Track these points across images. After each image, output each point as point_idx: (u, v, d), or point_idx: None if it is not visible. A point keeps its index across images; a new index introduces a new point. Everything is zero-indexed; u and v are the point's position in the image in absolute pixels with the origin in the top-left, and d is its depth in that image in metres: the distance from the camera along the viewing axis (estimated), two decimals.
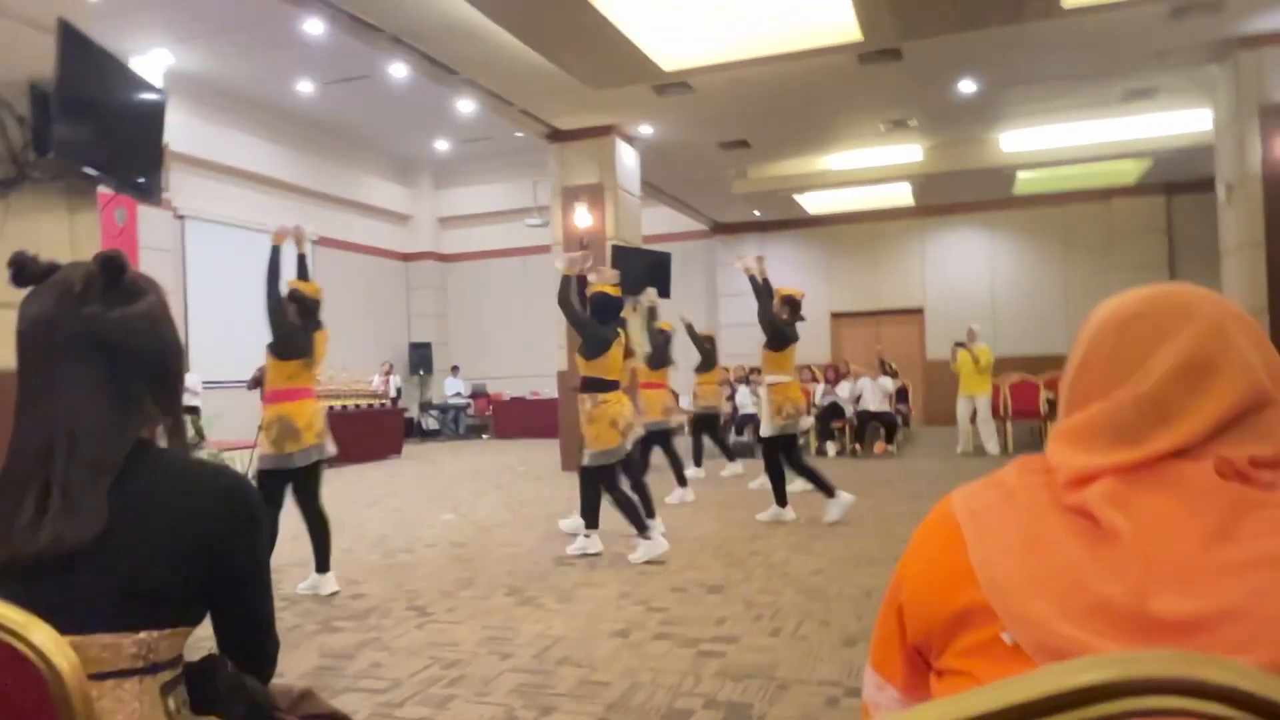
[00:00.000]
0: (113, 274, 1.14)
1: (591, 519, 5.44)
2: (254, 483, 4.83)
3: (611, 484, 5.31)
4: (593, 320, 5.31)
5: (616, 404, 5.23)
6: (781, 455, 6.35)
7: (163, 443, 1.20)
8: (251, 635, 1.25)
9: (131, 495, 1.10)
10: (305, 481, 4.51)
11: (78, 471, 1.07)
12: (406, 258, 16.97)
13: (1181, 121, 10.95)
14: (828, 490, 6.18)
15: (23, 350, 1.13)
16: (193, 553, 1.11)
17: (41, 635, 0.90)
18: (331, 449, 4.60)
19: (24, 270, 1.16)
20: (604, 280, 5.67)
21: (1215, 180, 9.12)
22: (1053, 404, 11.04)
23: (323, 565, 4.56)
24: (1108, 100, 10.38)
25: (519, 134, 12.16)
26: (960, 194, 14.26)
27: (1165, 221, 14.26)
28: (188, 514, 1.13)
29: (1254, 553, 0.77)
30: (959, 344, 11.05)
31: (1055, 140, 11.73)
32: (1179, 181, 13.67)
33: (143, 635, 1.08)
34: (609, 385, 5.27)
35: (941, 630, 0.88)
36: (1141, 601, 0.76)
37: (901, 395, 12.15)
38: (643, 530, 5.19)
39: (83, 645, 1.02)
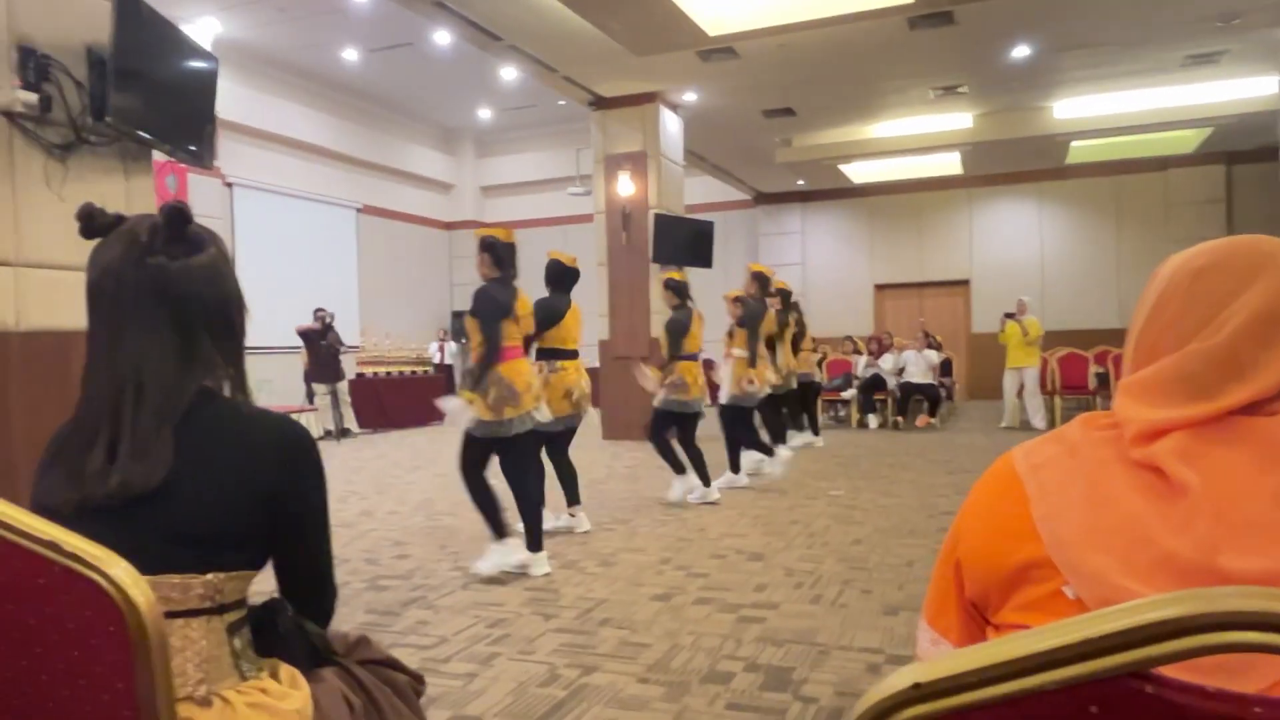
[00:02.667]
0: (176, 225, 1.17)
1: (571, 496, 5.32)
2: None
3: (561, 452, 5.25)
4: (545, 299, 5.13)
5: (574, 373, 5.05)
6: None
7: (227, 393, 1.23)
8: (311, 581, 1.29)
9: (196, 442, 1.13)
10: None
11: (145, 419, 1.11)
12: (449, 226, 17.07)
13: (1245, 88, 10.62)
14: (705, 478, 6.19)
15: (92, 300, 1.17)
16: (254, 499, 1.15)
17: (120, 570, 0.93)
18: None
19: (93, 221, 1.19)
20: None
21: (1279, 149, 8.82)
22: (1101, 378, 10.84)
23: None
24: (1168, 66, 10.06)
25: (561, 101, 12.14)
26: (1011, 163, 13.94)
27: (1225, 192, 13.82)
28: (250, 461, 1.16)
29: None
30: (1008, 315, 10.85)
31: (1111, 108, 11.43)
32: (1240, 150, 13.24)
33: (210, 576, 1.12)
34: (566, 354, 5.10)
35: (1001, 584, 0.87)
36: (1210, 557, 0.75)
37: (946, 368, 11.99)
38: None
39: (154, 585, 1.05)
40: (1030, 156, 13.46)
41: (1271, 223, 9.91)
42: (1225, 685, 0.48)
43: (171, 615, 1.10)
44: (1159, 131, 12.17)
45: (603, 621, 3.47)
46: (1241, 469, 0.79)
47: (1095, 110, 11.54)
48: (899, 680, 0.50)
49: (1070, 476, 0.85)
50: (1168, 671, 0.46)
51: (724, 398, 6.77)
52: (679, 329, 6.17)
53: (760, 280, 7.16)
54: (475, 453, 4.22)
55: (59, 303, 3.46)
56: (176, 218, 1.17)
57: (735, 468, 6.87)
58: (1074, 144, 12.86)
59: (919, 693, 0.49)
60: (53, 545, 0.91)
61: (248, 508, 1.15)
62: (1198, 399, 0.83)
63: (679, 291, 6.33)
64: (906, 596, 3.75)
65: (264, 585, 1.24)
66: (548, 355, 5.07)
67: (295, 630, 1.27)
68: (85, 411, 1.15)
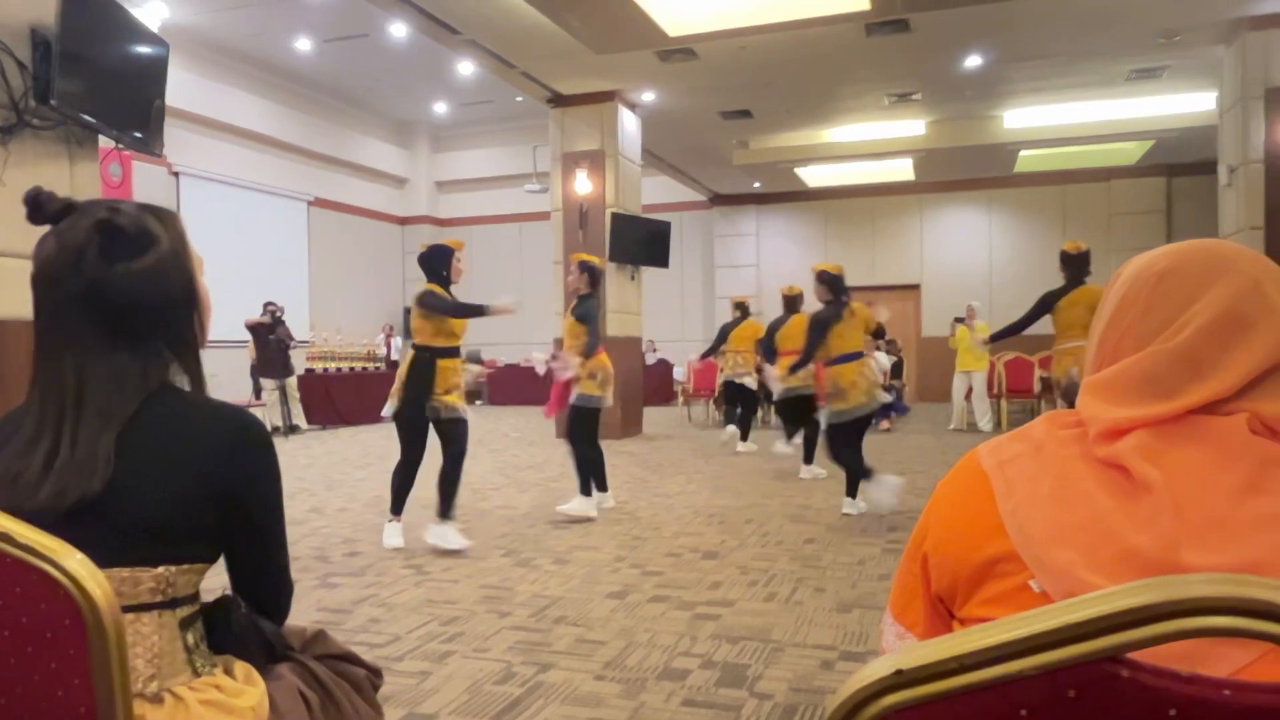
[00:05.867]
0: (110, 234, 1.13)
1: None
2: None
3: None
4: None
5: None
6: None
7: (183, 385, 1.20)
8: (265, 576, 1.26)
9: (144, 439, 1.11)
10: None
11: (84, 428, 1.09)
12: (403, 221, 16.87)
13: (1185, 103, 10.96)
14: None
15: (35, 299, 1.14)
16: (205, 491, 1.12)
17: (74, 562, 0.90)
18: None
19: (39, 209, 1.15)
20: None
21: (1217, 163, 9.11)
22: (1046, 382, 11.08)
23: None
24: (1113, 80, 10.35)
25: (519, 98, 12.06)
26: (961, 170, 14.23)
27: (1165, 203, 14.27)
28: (200, 454, 1.14)
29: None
30: (958, 320, 11.06)
31: (1059, 119, 11.73)
32: (1180, 163, 13.67)
33: (160, 570, 1.10)
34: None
35: (968, 578, 0.89)
36: (1172, 552, 0.77)
37: (896, 370, 12.17)
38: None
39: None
40: (980, 164, 13.75)
41: (1208, 233, 10.21)
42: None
43: (122, 610, 1.07)
44: (1103, 143, 12.53)
45: (558, 619, 3.46)
46: (1201, 467, 0.81)
47: (1043, 121, 11.82)
48: (881, 667, 0.51)
49: (1036, 473, 0.87)
50: (1141, 657, 0.48)
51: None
52: (821, 327, 5.55)
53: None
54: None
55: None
56: (109, 229, 1.12)
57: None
58: (1022, 153, 13.17)
59: (901, 679, 0.50)
60: (5, 537, 0.89)
61: (199, 500, 1.12)
62: (1160, 398, 0.86)
63: (834, 286, 5.63)
64: (859, 595, 3.79)
65: (217, 581, 1.21)
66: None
67: (249, 626, 1.25)
68: (26, 416, 1.12)
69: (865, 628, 3.35)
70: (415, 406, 4.65)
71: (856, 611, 3.55)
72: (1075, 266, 5.84)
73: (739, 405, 9.26)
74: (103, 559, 1.04)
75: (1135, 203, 14.32)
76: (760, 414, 10.42)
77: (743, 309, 9.29)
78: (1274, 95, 8.16)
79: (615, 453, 8.82)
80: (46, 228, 1.16)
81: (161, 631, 1.11)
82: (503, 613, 3.54)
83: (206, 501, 1.12)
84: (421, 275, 5.14)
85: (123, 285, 1.13)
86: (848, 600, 3.71)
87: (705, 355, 10.06)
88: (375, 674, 1.46)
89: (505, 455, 8.90)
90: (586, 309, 5.66)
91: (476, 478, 7.31)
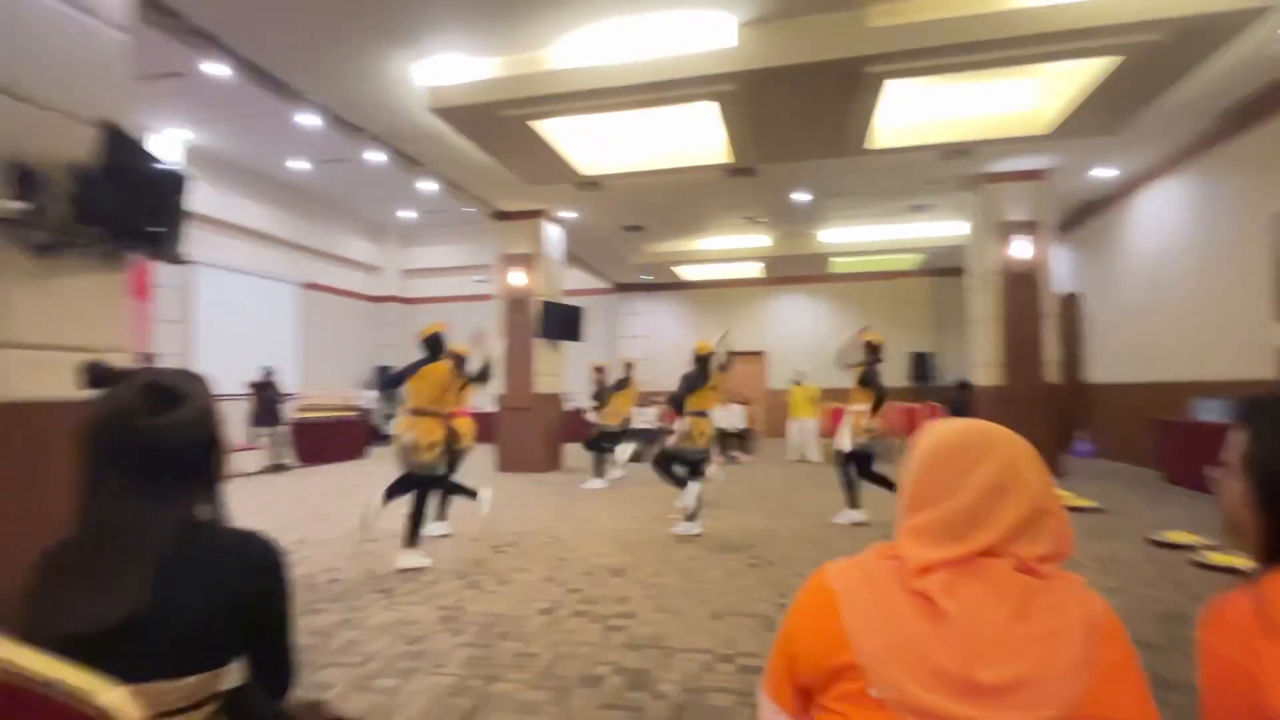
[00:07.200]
0: (154, 392, 1.08)
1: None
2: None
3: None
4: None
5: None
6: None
7: (207, 516, 1.12)
8: (280, 665, 1.18)
9: (176, 567, 1.03)
10: None
11: (120, 560, 1.01)
12: (376, 300, 16.32)
13: (946, 229, 11.69)
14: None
15: (84, 449, 1.05)
16: (227, 611, 1.05)
17: (108, 697, 0.82)
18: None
19: (96, 377, 1.08)
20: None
21: (968, 272, 9.77)
22: None
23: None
24: (897, 211, 11.03)
25: (469, 209, 11.93)
26: (794, 270, 14.83)
27: (934, 297, 15.20)
28: (223, 579, 1.06)
29: (1040, 629, 0.83)
30: (795, 381, 11.42)
31: (860, 236, 12.34)
32: (944, 269, 14.59)
33: (193, 679, 1.01)
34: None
35: (823, 678, 0.90)
36: (969, 670, 0.80)
37: (747, 415, 12.38)
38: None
39: (141, 692, 0.94)
40: (807, 266, 14.36)
41: (963, 320, 10.94)
42: None
43: (156, 716, 0.98)
44: (891, 254, 13.25)
45: (501, 635, 3.32)
46: (985, 601, 0.85)
47: (849, 238, 12.43)
48: None
49: (870, 601, 0.90)
50: None
51: (848, 446, 5.92)
52: (687, 385, 5.65)
53: (868, 347, 5.91)
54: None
55: (39, 376, 3.05)
56: (157, 389, 1.07)
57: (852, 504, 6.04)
58: (834, 259, 13.81)
59: None
60: (51, 684, 0.79)
61: (223, 618, 1.04)
62: (953, 542, 0.90)
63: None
64: (728, 603, 3.77)
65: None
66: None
67: (263, 707, 1.15)
68: (68, 547, 1.03)
69: (734, 632, 3.33)
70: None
71: (727, 619, 3.54)
72: (870, 355, 6.03)
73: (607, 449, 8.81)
74: (138, 675, 0.95)
75: (913, 296, 15.22)
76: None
77: (603, 374, 9.11)
78: (1004, 227, 8.85)
79: (541, 484, 8.66)
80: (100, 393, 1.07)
81: None
82: (456, 631, 3.38)
83: (229, 619, 1.05)
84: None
85: (164, 433, 1.06)
86: (719, 609, 3.69)
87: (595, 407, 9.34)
88: None
89: None
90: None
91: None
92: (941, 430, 0.98)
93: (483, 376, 5.73)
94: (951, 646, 0.82)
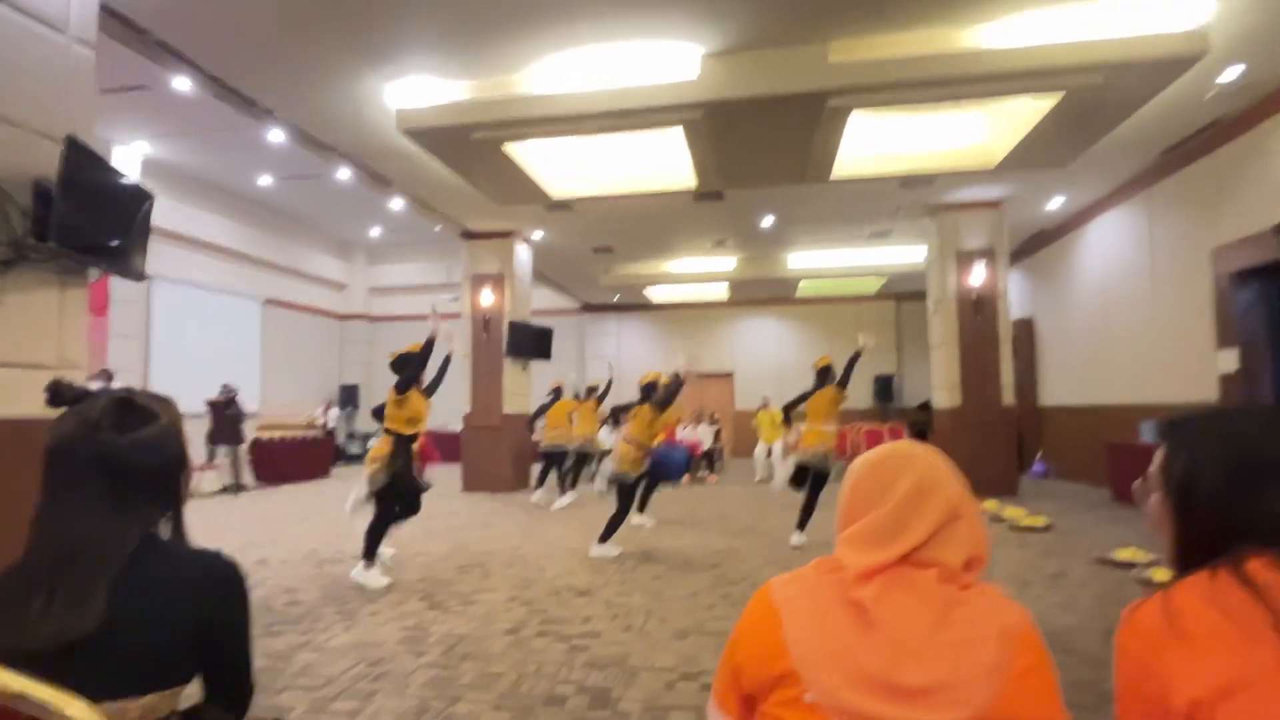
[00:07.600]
0: (124, 410, 1.10)
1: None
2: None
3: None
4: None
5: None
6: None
7: (165, 535, 1.14)
8: (235, 686, 1.19)
9: (135, 587, 1.03)
10: None
11: (82, 576, 1.01)
12: (342, 318, 16.11)
13: (907, 254, 11.99)
14: None
15: (46, 465, 1.06)
16: (186, 630, 1.05)
17: (76, 710, 0.83)
18: None
19: (59, 395, 1.10)
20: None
21: (927, 296, 10.06)
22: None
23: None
24: (859, 236, 11.31)
25: (438, 228, 11.91)
26: (760, 293, 15.06)
27: (895, 319, 15.57)
28: (182, 599, 1.06)
29: (958, 637, 0.90)
30: (762, 406, 11.56)
31: (824, 261, 12.59)
32: (904, 292, 14.98)
33: (151, 697, 1.02)
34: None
35: (765, 686, 0.96)
36: (892, 674, 0.87)
37: (716, 435, 12.49)
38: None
39: (100, 709, 0.95)
40: (773, 289, 14.61)
41: (922, 342, 11.18)
42: None
43: None
44: (853, 278, 13.55)
45: (464, 656, 3.30)
46: (911, 610, 0.92)
47: (814, 262, 12.68)
48: None
49: (808, 612, 0.96)
50: None
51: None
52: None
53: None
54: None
55: None
56: (124, 406, 1.09)
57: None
58: (801, 283, 14.08)
59: None
60: (19, 697, 0.81)
61: (182, 637, 1.05)
62: (882, 547, 0.97)
63: (649, 390, 5.91)
64: (692, 622, 3.81)
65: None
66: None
67: None
68: (28, 564, 1.03)
69: (697, 651, 3.37)
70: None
71: (691, 637, 3.57)
72: (820, 377, 6.22)
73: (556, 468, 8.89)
74: (97, 692, 0.96)
75: (875, 318, 15.56)
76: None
77: (556, 392, 9.06)
78: (961, 256, 9.15)
79: (508, 503, 8.61)
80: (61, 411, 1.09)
81: None
82: (419, 652, 3.35)
83: (189, 637, 1.05)
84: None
85: (130, 451, 1.07)
86: (683, 628, 3.72)
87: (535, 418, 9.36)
88: None
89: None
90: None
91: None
92: (870, 453, 1.07)
93: (438, 380, 5.50)
94: (879, 652, 0.89)
